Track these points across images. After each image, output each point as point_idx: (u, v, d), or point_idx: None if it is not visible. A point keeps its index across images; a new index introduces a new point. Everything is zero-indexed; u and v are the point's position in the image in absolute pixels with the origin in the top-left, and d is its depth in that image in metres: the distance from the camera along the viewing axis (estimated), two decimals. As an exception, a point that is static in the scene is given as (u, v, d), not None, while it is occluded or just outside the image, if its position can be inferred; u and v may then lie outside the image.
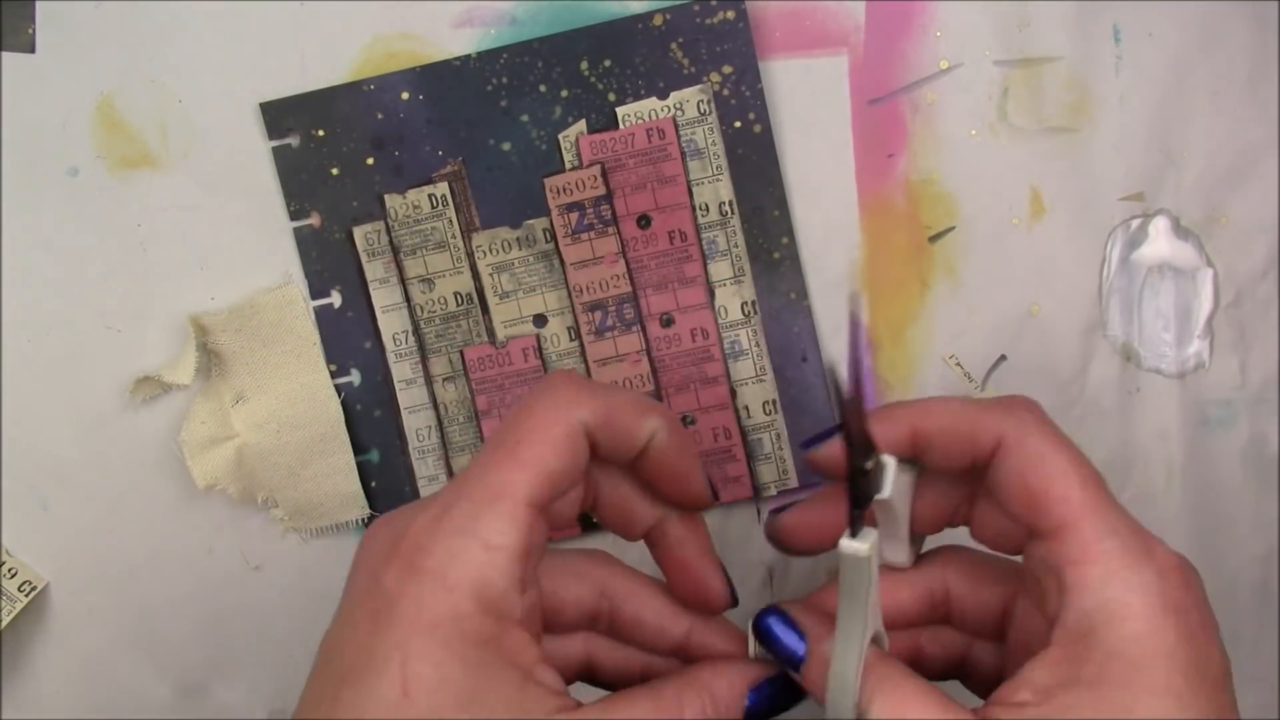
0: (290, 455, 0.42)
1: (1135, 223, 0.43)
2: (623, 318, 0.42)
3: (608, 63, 0.41)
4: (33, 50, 0.41)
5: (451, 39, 0.42)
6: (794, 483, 0.42)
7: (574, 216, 0.42)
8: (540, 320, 0.42)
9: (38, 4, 0.41)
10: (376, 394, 0.42)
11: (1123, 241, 0.43)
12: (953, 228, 0.43)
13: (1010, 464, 0.30)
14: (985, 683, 0.34)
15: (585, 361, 0.42)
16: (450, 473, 0.42)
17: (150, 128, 0.41)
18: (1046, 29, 0.42)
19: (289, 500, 0.42)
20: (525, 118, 0.42)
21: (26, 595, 0.42)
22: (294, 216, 0.42)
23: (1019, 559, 0.32)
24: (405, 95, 0.41)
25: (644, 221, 0.42)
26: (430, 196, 0.42)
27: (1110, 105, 0.43)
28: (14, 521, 0.42)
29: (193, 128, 0.41)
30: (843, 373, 0.26)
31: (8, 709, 0.43)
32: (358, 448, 0.42)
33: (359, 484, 0.42)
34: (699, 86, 0.42)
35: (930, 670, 0.35)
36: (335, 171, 0.42)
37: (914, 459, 0.32)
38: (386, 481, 0.42)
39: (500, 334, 0.42)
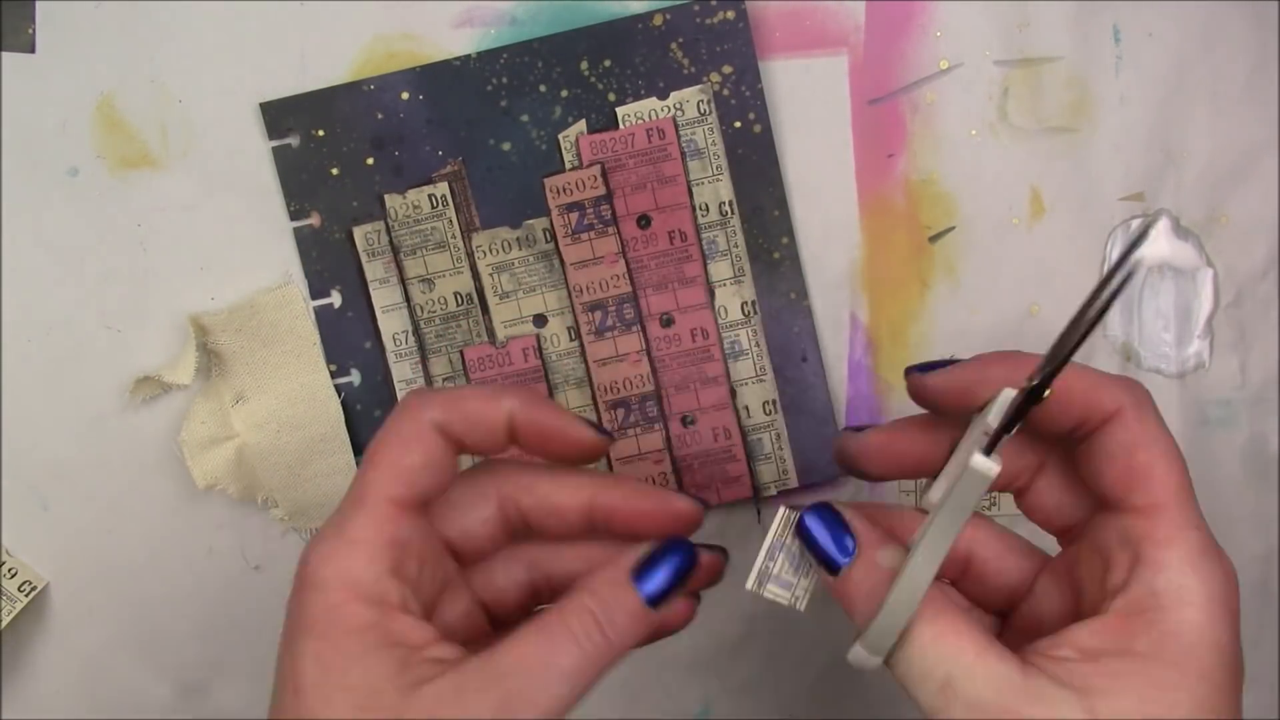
0: (290, 455, 0.42)
1: (1135, 223, 0.43)
2: (623, 318, 0.42)
3: (608, 63, 0.41)
4: (33, 50, 0.41)
5: (451, 39, 0.42)
6: (794, 483, 0.42)
7: (574, 216, 0.42)
8: (540, 320, 0.42)
9: (38, 4, 0.41)
10: (376, 394, 0.42)
11: (1123, 241, 0.43)
12: (953, 228, 0.43)
13: (1122, 436, 0.31)
14: None
15: (585, 361, 0.42)
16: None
17: (150, 128, 0.41)
18: (1046, 29, 0.42)
19: (289, 500, 0.42)
20: (525, 118, 0.42)
21: (26, 595, 0.42)
22: (294, 216, 0.42)
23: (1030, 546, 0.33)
24: (405, 95, 0.41)
25: (644, 221, 0.42)
26: (430, 196, 0.42)
27: (1110, 105, 0.43)
28: (14, 521, 0.42)
29: (193, 128, 0.41)
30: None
31: (8, 709, 0.43)
32: (358, 448, 0.42)
33: (359, 484, 0.42)
34: (699, 86, 0.42)
35: None
36: (335, 171, 0.42)
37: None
38: (386, 481, 0.42)
39: (500, 334, 0.42)
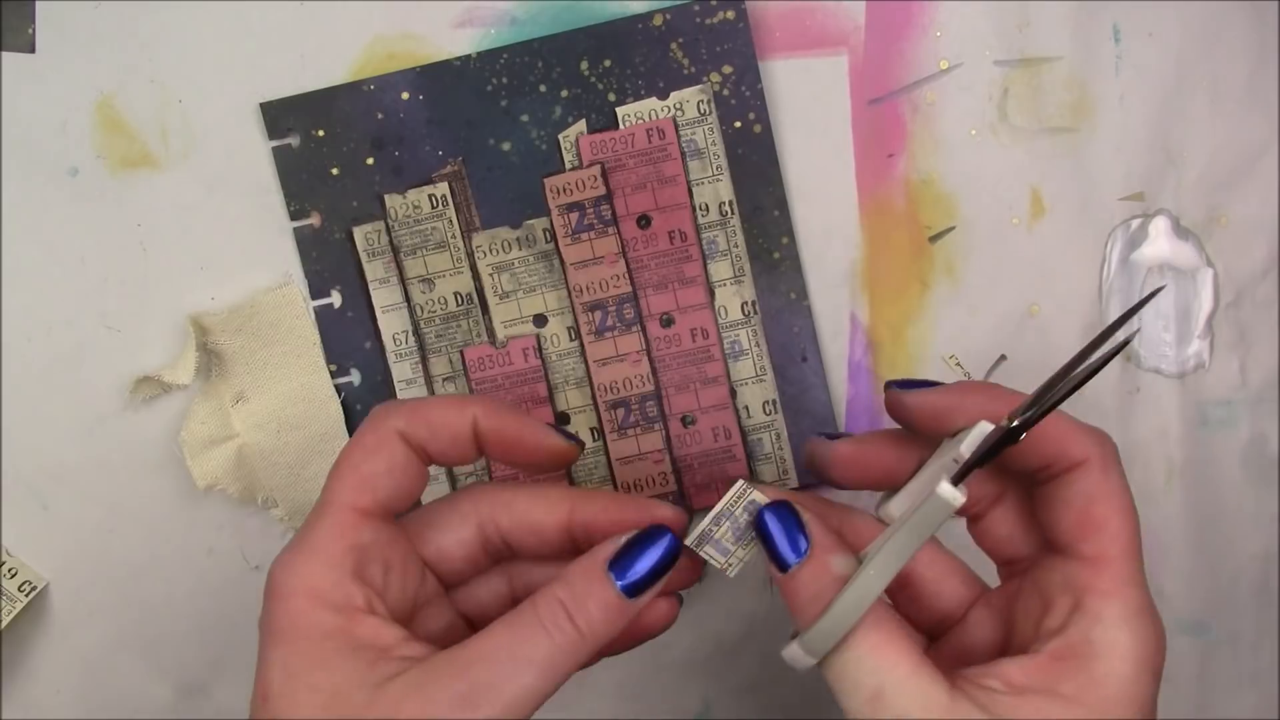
0: (290, 455, 0.42)
1: (1135, 223, 0.43)
2: (623, 318, 0.42)
3: (608, 63, 0.41)
4: (33, 50, 0.41)
5: (451, 39, 0.42)
6: (794, 483, 0.42)
7: (574, 216, 0.42)
8: (540, 320, 0.42)
9: (38, 4, 0.41)
10: (376, 394, 0.42)
11: (1123, 241, 0.43)
12: (953, 228, 0.43)
13: (1083, 485, 0.31)
14: None
15: (585, 361, 0.42)
16: (449, 472, 0.42)
17: (150, 128, 0.41)
18: (1046, 29, 0.42)
19: (289, 500, 0.42)
20: (525, 118, 0.42)
21: (26, 595, 0.42)
22: (294, 216, 0.42)
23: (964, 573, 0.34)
24: (405, 95, 0.41)
25: (644, 221, 0.42)
26: (430, 196, 0.42)
27: (1110, 105, 0.43)
28: (14, 521, 0.42)
29: (193, 128, 0.41)
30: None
31: (8, 709, 0.43)
32: (358, 448, 0.42)
33: (359, 484, 0.42)
34: (699, 86, 0.42)
35: None
36: (335, 171, 0.42)
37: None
38: (386, 481, 0.42)
39: (500, 334, 0.42)
